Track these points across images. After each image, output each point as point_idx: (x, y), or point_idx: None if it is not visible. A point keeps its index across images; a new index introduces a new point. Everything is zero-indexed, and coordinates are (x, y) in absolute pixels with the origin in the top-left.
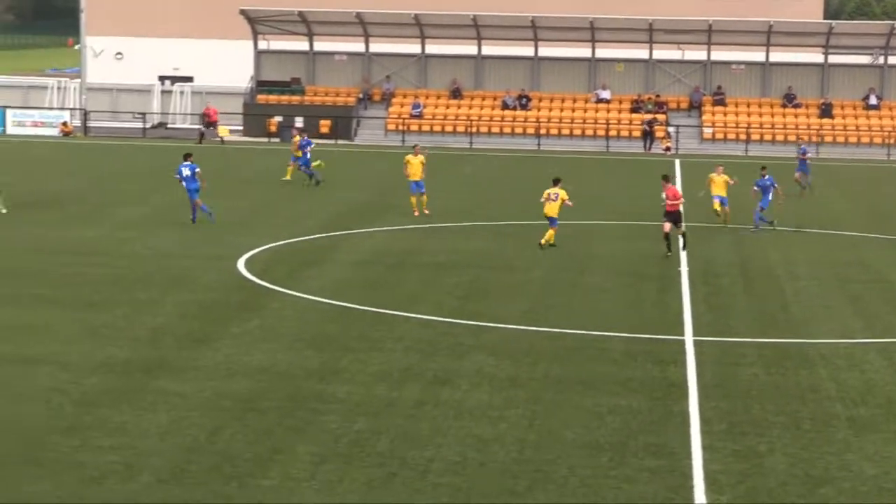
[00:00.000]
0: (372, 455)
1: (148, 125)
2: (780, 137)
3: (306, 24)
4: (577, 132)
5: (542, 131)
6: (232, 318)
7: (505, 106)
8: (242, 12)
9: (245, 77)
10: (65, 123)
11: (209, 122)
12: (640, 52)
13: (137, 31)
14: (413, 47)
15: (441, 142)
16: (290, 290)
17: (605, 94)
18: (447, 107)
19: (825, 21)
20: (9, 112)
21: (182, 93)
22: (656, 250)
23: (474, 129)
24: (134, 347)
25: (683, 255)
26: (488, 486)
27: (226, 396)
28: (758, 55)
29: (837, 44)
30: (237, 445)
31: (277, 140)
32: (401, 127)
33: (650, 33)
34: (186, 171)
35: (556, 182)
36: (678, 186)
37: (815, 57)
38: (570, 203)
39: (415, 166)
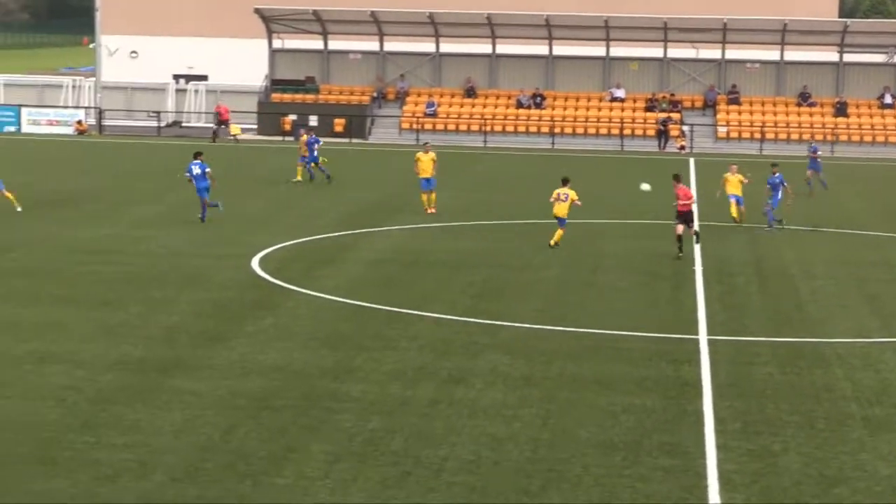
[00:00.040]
0: (386, 454)
1: (162, 124)
2: (794, 136)
3: (321, 23)
4: (592, 131)
5: (557, 130)
6: (246, 316)
7: (519, 105)
8: (257, 11)
9: (259, 76)
10: (80, 122)
11: (220, 120)
12: (655, 51)
13: (152, 29)
14: (427, 46)
15: (455, 140)
16: (304, 288)
17: (620, 93)
18: (461, 105)
19: (840, 20)
20: (24, 111)
21: (196, 91)
22: (670, 249)
23: (488, 128)
24: (149, 346)
25: (698, 254)
26: (502, 484)
27: (240, 395)
28: (772, 54)
29: (852, 42)
30: (251, 444)
31: (291, 139)
32: (415, 126)
33: (665, 32)
34: (197, 170)
35: (564, 182)
36: (692, 185)
37: (830, 56)
38: (578, 203)
39: (425, 163)
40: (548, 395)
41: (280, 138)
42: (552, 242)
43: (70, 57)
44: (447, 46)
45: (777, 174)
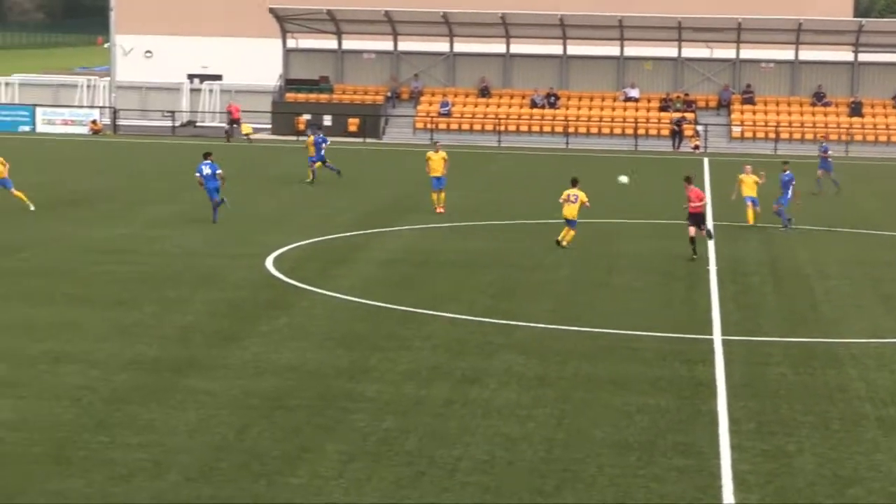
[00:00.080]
0: (400, 454)
1: (177, 123)
2: (809, 136)
3: (335, 23)
4: (606, 131)
5: (571, 130)
6: (261, 316)
7: (533, 104)
8: (271, 11)
9: (274, 75)
10: (94, 122)
11: (231, 119)
12: (669, 51)
13: (167, 29)
14: (441, 46)
15: (469, 140)
16: (319, 288)
17: (634, 93)
18: (475, 105)
19: (855, 19)
20: (39, 110)
21: (211, 91)
22: (684, 249)
23: (503, 128)
24: (163, 345)
25: (712, 254)
26: (516, 485)
27: (254, 395)
28: (787, 53)
29: (867, 42)
30: (265, 444)
31: (305, 138)
32: (429, 125)
33: (679, 31)
34: (207, 170)
35: (574, 183)
36: (706, 185)
37: (845, 55)
38: (588, 205)
39: (436, 162)
40: (562, 395)
41: (294, 138)
42: (562, 240)
43: (85, 57)
44: (461, 46)
45: (787, 172)
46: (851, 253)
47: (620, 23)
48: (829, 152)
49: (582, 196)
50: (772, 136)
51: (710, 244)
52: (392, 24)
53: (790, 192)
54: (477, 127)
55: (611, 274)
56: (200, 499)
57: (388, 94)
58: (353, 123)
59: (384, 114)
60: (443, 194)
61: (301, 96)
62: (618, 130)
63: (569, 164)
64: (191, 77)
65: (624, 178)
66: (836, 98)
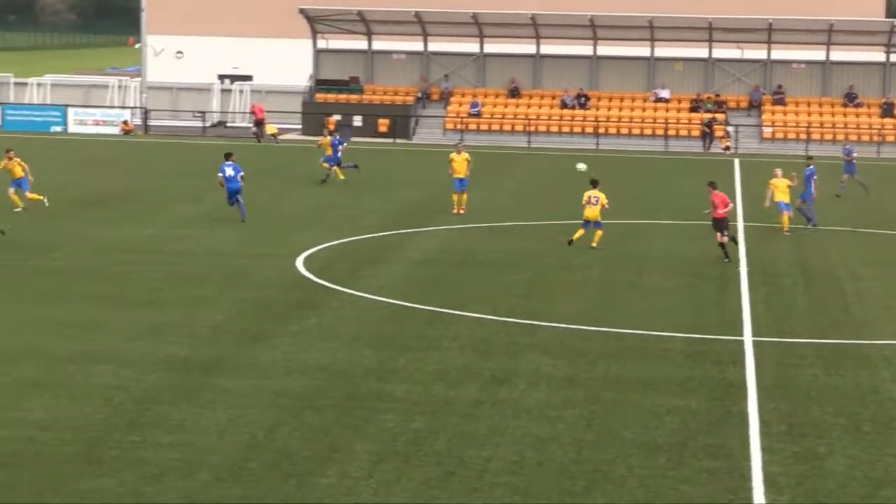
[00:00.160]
0: (429, 454)
1: (207, 124)
2: (840, 137)
3: (365, 24)
4: (636, 131)
5: (601, 130)
6: (290, 316)
7: (563, 105)
8: (302, 11)
9: (304, 76)
10: (125, 122)
11: (256, 120)
12: (700, 51)
13: (197, 30)
14: (471, 46)
15: (499, 141)
16: (348, 288)
17: (664, 94)
18: (505, 106)
19: (887, 20)
20: (70, 111)
21: (241, 91)
22: (715, 250)
23: (532, 129)
24: (193, 345)
25: (743, 255)
26: (546, 485)
27: (284, 394)
28: (818, 54)
29: None
30: (295, 443)
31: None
32: (459, 126)
33: (710, 32)
34: (230, 171)
35: (594, 184)
36: (737, 186)
37: (877, 56)
38: (607, 207)
39: (459, 163)
40: (592, 395)
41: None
42: (591, 243)
43: (116, 57)
44: (491, 47)
45: (811, 166)
46: (882, 254)
47: (651, 23)
48: (854, 155)
49: (602, 198)
50: (803, 136)
51: (741, 245)
52: (422, 25)
53: (813, 186)
54: (507, 127)
55: (640, 275)
56: (230, 498)
57: (418, 94)
58: (383, 124)
59: (414, 114)
60: (465, 196)
61: (331, 97)
62: (648, 131)
63: (599, 165)
64: (221, 77)
65: (582, 166)
66: (868, 99)
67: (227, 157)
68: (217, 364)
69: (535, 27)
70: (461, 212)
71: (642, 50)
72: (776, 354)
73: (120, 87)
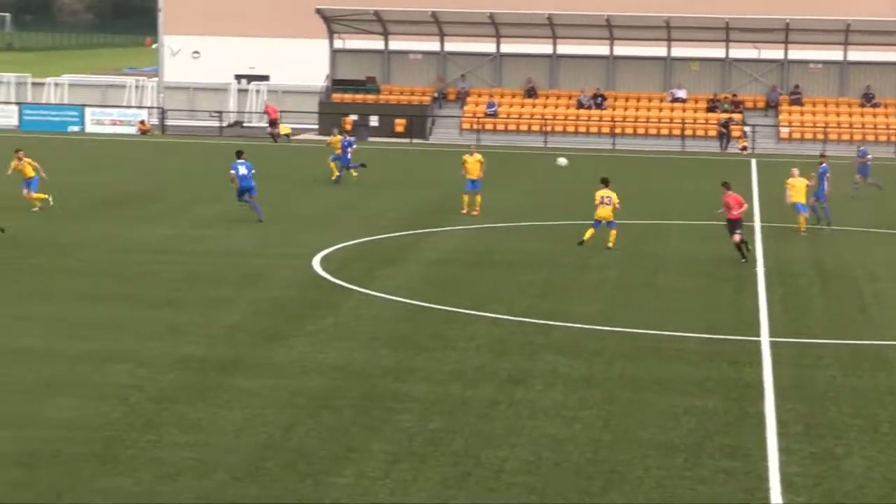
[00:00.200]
0: (446, 454)
1: (224, 124)
2: (857, 137)
3: (382, 24)
4: (653, 131)
5: (618, 130)
6: (307, 316)
7: (580, 105)
8: (318, 11)
9: (320, 76)
10: (142, 122)
11: (270, 120)
12: (716, 52)
13: (214, 30)
14: (488, 46)
15: (516, 141)
16: (364, 288)
17: (681, 94)
18: (522, 106)
19: None
20: (88, 111)
21: (258, 91)
22: (731, 251)
23: (549, 129)
24: (210, 345)
25: (759, 255)
26: (563, 486)
27: (300, 394)
28: (836, 54)
29: None
30: (312, 443)
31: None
32: (475, 126)
33: (726, 32)
34: (243, 170)
35: (605, 183)
36: (753, 186)
37: (894, 56)
38: (619, 207)
39: (472, 165)
40: (608, 396)
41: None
42: (607, 244)
43: (133, 57)
44: (508, 47)
45: (824, 164)
46: None
47: (667, 23)
48: (869, 157)
49: (614, 198)
50: (820, 137)
51: (759, 245)
52: (439, 25)
53: (826, 184)
54: (523, 127)
55: (657, 275)
56: (247, 498)
57: (435, 94)
58: (399, 124)
59: (431, 114)
60: (478, 197)
61: (348, 97)
62: (665, 131)
63: (616, 165)
64: (238, 77)
65: (563, 161)
66: (886, 99)
67: (239, 154)
68: (234, 364)
69: (552, 27)
70: (474, 213)
71: (659, 50)
72: (793, 355)
73: (137, 87)
